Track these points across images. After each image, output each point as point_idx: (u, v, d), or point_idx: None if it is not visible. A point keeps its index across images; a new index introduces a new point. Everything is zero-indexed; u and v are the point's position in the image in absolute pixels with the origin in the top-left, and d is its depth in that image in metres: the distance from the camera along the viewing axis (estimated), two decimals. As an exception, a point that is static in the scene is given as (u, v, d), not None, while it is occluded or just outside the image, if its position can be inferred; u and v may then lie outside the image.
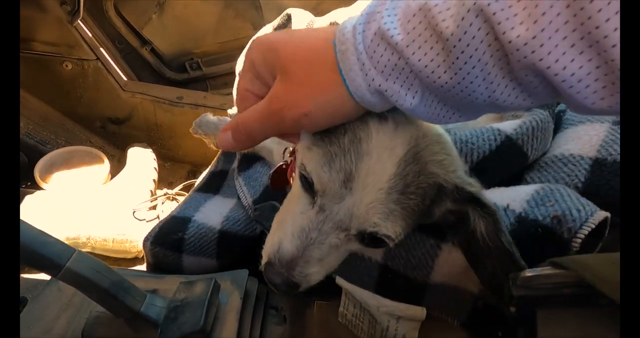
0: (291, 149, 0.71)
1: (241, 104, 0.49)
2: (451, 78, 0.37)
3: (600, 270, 0.33)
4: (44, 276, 0.85)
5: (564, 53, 0.32)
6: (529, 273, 0.38)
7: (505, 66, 0.36)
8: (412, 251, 0.56)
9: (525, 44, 0.33)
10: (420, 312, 0.60)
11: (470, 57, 0.36)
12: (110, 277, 0.61)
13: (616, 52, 0.30)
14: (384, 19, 0.39)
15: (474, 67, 0.36)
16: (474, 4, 0.34)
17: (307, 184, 0.50)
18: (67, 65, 1.70)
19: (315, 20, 1.30)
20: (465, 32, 0.35)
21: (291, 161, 0.69)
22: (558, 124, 0.67)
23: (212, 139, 1.01)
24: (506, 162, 0.59)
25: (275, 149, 0.89)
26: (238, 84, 0.50)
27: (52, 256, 0.56)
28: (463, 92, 0.38)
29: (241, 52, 1.45)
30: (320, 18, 1.32)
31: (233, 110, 1.05)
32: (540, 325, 0.37)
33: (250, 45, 0.47)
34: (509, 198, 0.56)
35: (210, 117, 0.96)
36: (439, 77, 0.38)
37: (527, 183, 0.60)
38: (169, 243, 0.82)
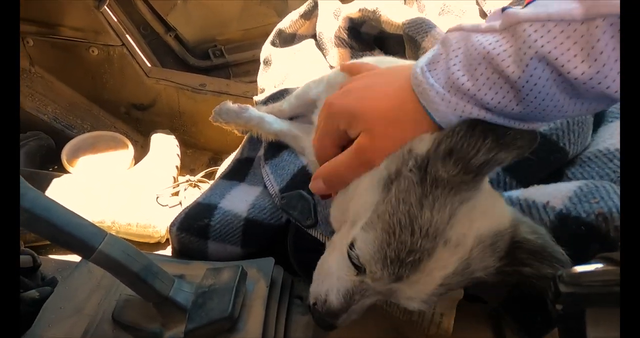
0: None
1: (323, 154, 0.56)
2: (524, 109, 0.42)
3: None
4: (73, 257, 0.87)
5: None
6: (578, 269, 0.36)
7: (572, 91, 0.40)
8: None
9: (591, 78, 0.37)
10: (457, 291, 0.59)
11: (539, 92, 0.40)
12: (141, 261, 0.61)
13: None
14: (449, 67, 0.43)
15: (544, 100, 0.40)
16: (536, 52, 0.38)
17: (355, 258, 0.49)
18: (93, 51, 1.71)
19: (342, 7, 1.27)
20: (532, 75, 0.39)
21: None
22: (601, 117, 0.64)
23: (232, 126, 1.00)
24: (542, 158, 0.57)
25: (299, 136, 0.88)
26: (320, 140, 0.55)
27: (86, 238, 0.57)
28: (537, 116, 0.43)
29: (264, 39, 1.44)
30: (346, 5, 1.29)
31: (259, 97, 1.04)
32: (590, 325, 0.35)
33: (330, 111, 0.53)
34: (549, 196, 0.53)
35: (230, 105, 0.95)
36: (512, 109, 0.42)
37: (569, 179, 0.58)
38: (195, 229, 0.82)
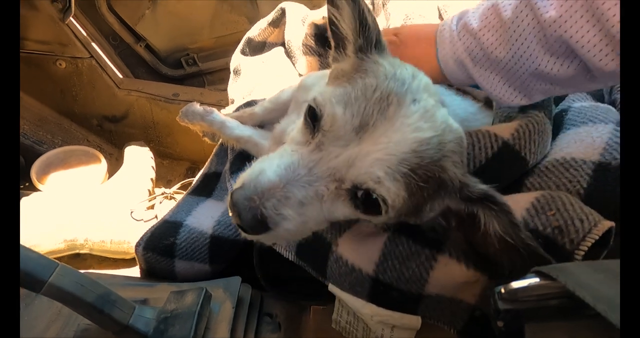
0: None
1: None
2: (507, 53, 0.54)
3: (583, 278, 0.31)
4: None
5: (581, 26, 0.46)
6: (514, 285, 0.36)
7: (544, 43, 0.51)
8: (405, 263, 0.53)
9: (555, 21, 0.48)
10: (415, 321, 0.58)
11: (520, 36, 0.52)
12: (96, 291, 0.59)
13: (616, 20, 0.44)
14: (468, 16, 0.60)
15: (522, 44, 0.52)
16: None
17: (311, 119, 0.47)
18: (61, 64, 1.67)
19: (310, 13, 1.26)
20: (517, 17, 0.52)
21: None
22: (560, 125, 0.64)
23: (197, 127, 0.99)
24: (505, 168, 0.56)
25: (261, 143, 0.87)
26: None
27: (34, 271, 0.55)
28: (514, 67, 0.55)
29: (236, 46, 1.43)
30: (315, 11, 1.28)
31: (226, 110, 1.02)
32: (529, 339, 0.35)
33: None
34: None
35: (197, 106, 0.95)
36: (499, 53, 0.55)
37: (528, 189, 0.58)
38: (161, 248, 0.81)
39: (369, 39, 0.54)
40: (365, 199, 0.46)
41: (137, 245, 0.83)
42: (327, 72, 0.63)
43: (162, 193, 1.53)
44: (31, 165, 1.56)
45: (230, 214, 0.46)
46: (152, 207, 1.51)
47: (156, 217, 1.48)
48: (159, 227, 0.85)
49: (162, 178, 1.76)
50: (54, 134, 1.73)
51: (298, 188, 0.44)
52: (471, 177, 0.50)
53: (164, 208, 1.50)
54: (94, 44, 1.70)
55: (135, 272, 1.39)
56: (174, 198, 1.55)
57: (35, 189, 1.50)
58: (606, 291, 0.29)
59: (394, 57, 0.55)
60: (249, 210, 0.44)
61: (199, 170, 1.80)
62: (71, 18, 1.59)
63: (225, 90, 1.77)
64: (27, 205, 1.36)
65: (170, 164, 1.85)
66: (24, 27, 1.58)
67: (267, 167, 0.45)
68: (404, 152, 0.44)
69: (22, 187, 1.61)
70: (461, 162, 0.50)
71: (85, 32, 1.68)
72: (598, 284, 0.31)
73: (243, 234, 0.47)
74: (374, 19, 0.54)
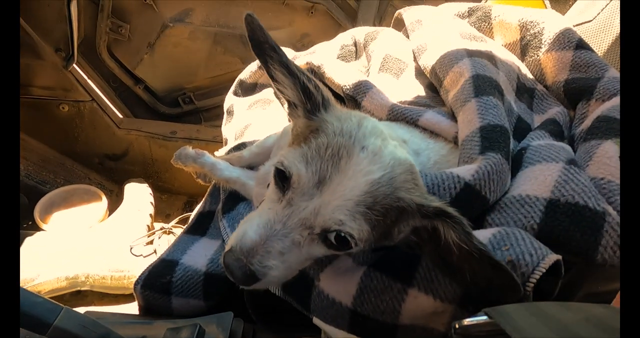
0: None
1: None
2: None
3: (519, 321, 0.36)
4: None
5: None
6: (467, 321, 0.41)
7: None
8: (380, 296, 0.58)
9: None
10: None
11: None
12: (98, 331, 0.63)
13: None
14: None
15: None
16: None
17: (280, 180, 0.55)
18: (63, 107, 1.76)
19: (298, 55, 1.35)
20: None
21: None
22: (520, 162, 0.70)
23: (190, 169, 1.06)
24: (467, 206, 0.62)
25: (248, 184, 0.93)
26: None
27: (40, 315, 0.59)
28: None
29: (231, 84, 1.51)
30: (302, 53, 1.37)
31: (219, 152, 1.09)
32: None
33: None
34: None
35: (189, 150, 1.03)
36: None
37: (489, 224, 0.63)
38: (158, 286, 0.85)
39: (315, 103, 0.61)
40: (336, 238, 0.54)
41: (136, 283, 0.88)
42: None
43: (161, 229, 1.59)
44: (34, 205, 1.62)
45: (226, 273, 0.55)
46: (151, 242, 1.55)
47: (155, 251, 1.52)
48: (157, 265, 0.90)
49: (161, 213, 1.81)
50: (57, 173, 1.80)
51: (276, 241, 0.52)
52: (427, 196, 0.56)
53: (162, 242, 1.55)
54: (95, 88, 1.80)
55: (135, 307, 1.43)
56: (172, 232, 1.60)
57: (38, 229, 1.55)
58: (537, 334, 0.35)
59: (339, 110, 0.62)
60: (239, 268, 0.52)
61: (196, 204, 1.86)
62: (74, 65, 1.69)
63: (220, 126, 1.86)
64: (31, 244, 1.41)
65: (169, 199, 1.91)
66: (30, 75, 1.68)
67: (249, 228, 0.54)
68: (358, 195, 0.52)
69: (24, 225, 1.66)
70: (416, 186, 0.56)
71: (87, 76, 1.78)
72: (530, 327, 0.36)
73: (240, 286, 0.55)
74: (316, 84, 0.61)
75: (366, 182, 0.52)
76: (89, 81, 1.79)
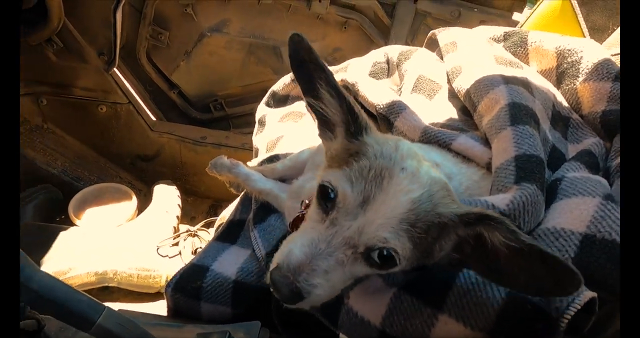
0: (307, 202, 0.76)
1: None
2: None
3: None
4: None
5: None
6: None
7: None
8: (409, 319, 0.60)
9: None
10: None
11: None
12: (136, 332, 0.67)
13: None
14: None
15: None
16: None
17: (324, 200, 0.57)
18: (102, 108, 1.84)
19: (332, 69, 1.38)
20: None
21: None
22: (554, 193, 0.71)
23: (224, 178, 1.09)
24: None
25: (280, 196, 0.96)
26: None
27: (85, 313, 0.63)
28: None
29: (262, 93, 1.54)
30: (335, 67, 1.40)
31: (252, 163, 1.12)
32: None
33: None
34: None
35: (225, 159, 1.06)
36: None
37: (522, 256, 0.64)
38: (189, 290, 0.88)
39: (358, 126, 0.62)
40: (379, 256, 0.55)
41: (167, 286, 0.91)
42: None
43: (187, 231, 1.63)
44: (68, 200, 1.70)
45: (272, 290, 0.56)
46: (176, 243, 1.60)
47: (180, 253, 1.57)
48: (187, 270, 0.93)
49: (187, 215, 1.86)
50: (91, 171, 1.87)
51: (321, 260, 0.54)
52: (463, 205, 0.58)
53: (187, 244, 1.59)
54: (132, 91, 1.87)
55: (158, 306, 1.47)
56: (197, 235, 1.64)
57: (71, 223, 1.62)
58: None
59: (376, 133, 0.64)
60: (286, 285, 0.54)
61: (220, 208, 1.91)
62: (115, 68, 1.77)
63: (249, 133, 1.90)
64: (65, 238, 1.47)
65: (195, 202, 1.95)
66: (74, 76, 1.76)
67: (294, 247, 0.56)
68: (401, 213, 0.53)
69: (57, 219, 1.74)
70: (452, 200, 0.58)
71: (126, 80, 1.85)
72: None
73: (285, 305, 0.57)
74: (359, 108, 0.63)
75: (407, 201, 0.54)
76: (127, 84, 1.86)
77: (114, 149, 1.94)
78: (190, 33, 1.81)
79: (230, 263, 0.90)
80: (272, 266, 0.56)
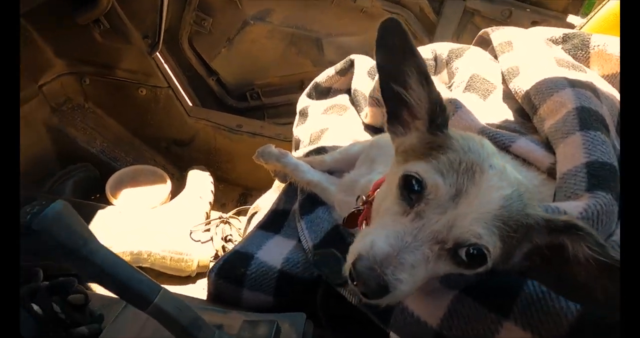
0: (364, 198, 0.75)
1: None
2: None
3: None
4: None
5: None
6: None
7: None
8: (471, 324, 0.58)
9: None
10: None
11: None
12: (189, 315, 0.67)
13: None
14: None
15: None
16: None
17: (407, 192, 0.54)
18: (142, 91, 1.86)
19: (375, 65, 1.36)
20: None
21: (364, 208, 0.74)
22: (623, 203, 0.68)
23: (270, 167, 1.08)
24: None
25: (329, 189, 0.95)
26: None
27: (144, 292, 0.63)
28: None
29: (299, 85, 1.54)
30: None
31: (297, 153, 1.12)
32: None
33: None
34: None
35: (273, 148, 1.05)
36: None
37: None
38: (232, 277, 0.88)
39: (444, 118, 0.60)
40: (467, 255, 0.52)
41: (210, 271, 0.91)
42: None
43: (219, 217, 1.64)
44: (105, 179, 1.73)
45: (354, 283, 0.53)
46: (207, 229, 1.61)
47: (211, 239, 1.58)
48: (231, 256, 0.93)
49: (217, 202, 1.87)
50: (127, 152, 1.90)
51: (408, 254, 0.51)
52: (551, 211, 0.56)
53: (218, 231, 1.61)
54: (172, 75, 1.89)
55: (188, 290, 1.49)
56: (228, 222, 1.65)
57: (107, 202, 1.65)
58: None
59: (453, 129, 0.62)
60: (373, 278, 0.50)
61: (251, 197, 1.92)
62: (157, 52, 1.78)
63: (283, 124, 1.90)
64: (102, 217, 1.50)
65: (226, 189, 1.97)
66: (117, 58, 1.79)
67: (377, 239, 0.52)
68: (495, 209, 0.51)
69: (94, 197, 1.78)
70: (536, 204, 0.56)
71: (167, 64, 1.87)
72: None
73: (363, 299, 0.53)
74: (453, 99, 0.60)
75: (500, 197, 0.51)
76: (167, 68, 1.88)
77: (151, 132, 1.96)
78: (234, 20, 1.81)
79: (276, 253, 0.89)
80: (352, 257, 0.53)
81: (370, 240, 0.52)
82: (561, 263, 0.52)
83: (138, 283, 0.64)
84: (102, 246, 0.64)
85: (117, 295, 0.65)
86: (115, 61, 1.80)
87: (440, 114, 0.60)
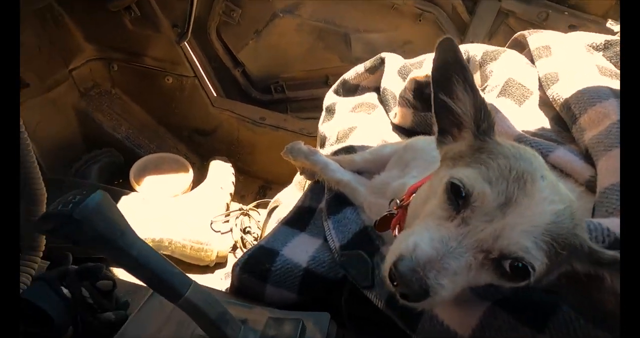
0: (398, 202, 0.74)
1: None
2: None
3: None
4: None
5: None
6: None
7: None
8: (504, 335, 0.57)
9: None
10: None
11: None
12: (217, 309, 0.67)
13: None
14: None
15: None
16: None
17: (454, 197, 0.53)
18: (168, 79, 1.87)
19: (407, 64, 1.33)
20: None
21: (398, 213, 0.73)
22: None
23: (298, 164, 1.08)
24: None
25: (358, 189, 0.94)
26: None
27: (176, 285, 0.64)
28: None
29: (324, 80, 1.51)
30: (410, 60, 1.36)
31: (326, 151, 1.11)
32: None
33: None
34: None
35: (302, 145, 1.05)
36: None
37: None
38: (257, 272, 0.89)
39: (490, 124, 0.59)
40: (512, 267, 0.51)
41: (235, 265, 0.92)
42: (433, 138, 0.69)
43: (239, 209, 1.65)
44: (128, 164, 1.75)
45: (395, 283, 0.52)
46: (227, 220, 1.63)
47: (231, 230, 1.59)
48: (256, 251, 0.93)
49: (237, 193, 1.88)
50: (151, 140, 1.92)
51: (453, 259, 0.50)
52: (596, 244, 0.54)
53: (239, 223, 1.62)
54: (198, 65, 1.89)
55: (206, 279, 1.51)
56: (248, 214, 1.66)
57: (130, 188, 1.68)
58: None
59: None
60: (416, 280, 0.49)
61: (270, 190, 1.92)
62: (185, 42, 1.79)
63: (306, 119, 1.89)
64: (125, 203, 1.53)
65: (246, 180, 1.98)
66: (146, 45, 1.80)
67: (420, 241, 0.51)
68: (546, 223, 0.49)
69: (117, 182, 1.80)
70: (585, 227, 0.55)
71: (194, 54, 1.87)
72: None
73: (401, 301, 0.53)
74: (490, 105, 0.59)
75: (552, 211, 0.49)
76: (194, 58, 1.88)
77: (175, 121, 1.98)
78: (263, 12, 1.79)
79: (302, 251, 0.89)
80: (392, 258, 0.52)
81: (413, 242, 0.51)
82: (594, 291, 0.51)
83: (170, 276, 0.64)
84: (138, 238, 0.65)
85: (149, 286, 0.65)
86: (144, 49, 1.82)
87: (485, 118, 0.59)
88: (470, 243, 0.50)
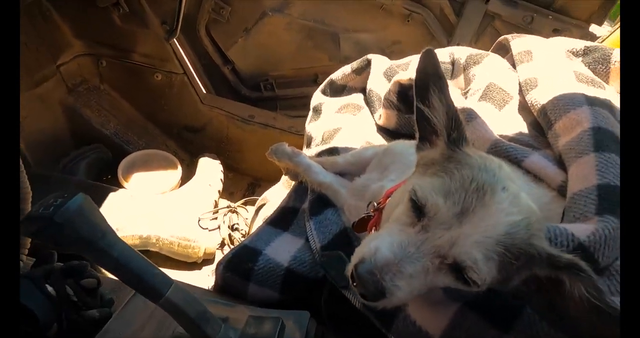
0: (375, 204, 0.77)
1: None
2: None
3: None
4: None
5: None
6: None
7: None
8: (473, 335, 0.60)
9: None
10: None
11: None
12: (197, 308, 0.69)
13: None
14: None
15: None
16: None
17: (416, 206, 0.56)
18: (157, 76, 1.87)
19: (393, 66, 1.35)
20: None
21: (375, 215, 0.75)
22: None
23: (282, 165, 1.09)
24: None
25: (340, 191, 0.96)
26: None
27: (157, 285, 0.66)
28: None
29: (313, 79, 1.52)
30: (395, 62, 1.37)
31: (310, 152, 1.13)
32: None
33: None
34: None
35: (286, 147, 1.06)
36: None
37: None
38: (240, 271, 0.91)
39: (461, 134, 0.62)
40: (462, 275, 0.54)
41: (219, 264, 0.94)
42: (413, 142, 0.71)
43: (227, 206, 1.67)
44: (117, 161, 1.76)
45: (354, 284, 0.56)
46: (215, 218, 1.64)
47: (219, 227, 1.61)
48: (239, 250, 0.95)
49: (226, 190, 1.89)
50: (140, 136, 1.92)
51: (409, 263, 0.53)
52: (555, 248, 0.56)
53: (226, 220, 1.63)
54: (187, 62, 1.89)
55: (193, 276, 1.52)
56: (236, 212, 1.67)
57: (118, 185, 1.68)
58: None
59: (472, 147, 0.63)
60: (372, 282, 0.53)
61: (259, 187, 1.94)
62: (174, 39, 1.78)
63: (295, 117, 1.91)
64: (113, 200, 1.53)
65: (235, 178, 1.99)
66: (134, 41, 1.80)
67: (381, 245, 0.55)
68: (499, 234, 0.52)
69: (106, 178, 1.81)
70: (543, 237, 0.57)
71: (183, 51, 1.87)
72: None
73: (361, 300, 0.56)
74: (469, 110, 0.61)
75: (507, 222, 0.52)
76: (184, 55, 1.88)
77: (164, 118, 1.98)
78: (252, 10, 1.80)
79: (284, 250, 0.91)
80: (355, 260, 0.56)
81: (375, 246, 0.55)
82: (555, 295, 0.53)
83: (151, 277, 0.66)
84: (119, 239, 0.66)
85: (131, 286, 0.67)
86: (133, 45, 1.81)
87: (456, 128, 0.61)
88: (428, 249, 0.53)
